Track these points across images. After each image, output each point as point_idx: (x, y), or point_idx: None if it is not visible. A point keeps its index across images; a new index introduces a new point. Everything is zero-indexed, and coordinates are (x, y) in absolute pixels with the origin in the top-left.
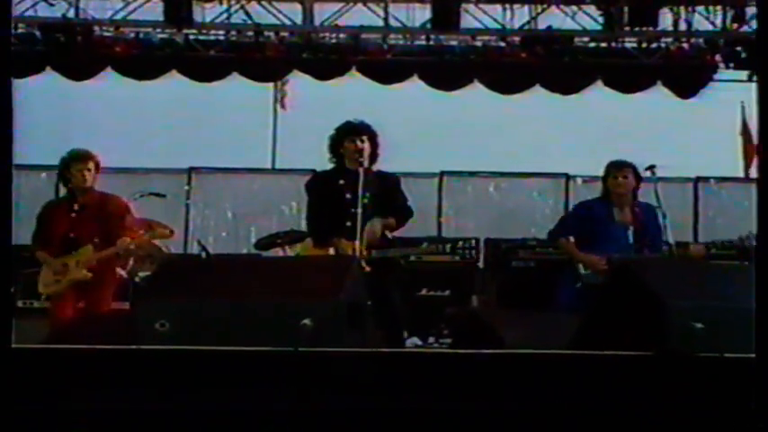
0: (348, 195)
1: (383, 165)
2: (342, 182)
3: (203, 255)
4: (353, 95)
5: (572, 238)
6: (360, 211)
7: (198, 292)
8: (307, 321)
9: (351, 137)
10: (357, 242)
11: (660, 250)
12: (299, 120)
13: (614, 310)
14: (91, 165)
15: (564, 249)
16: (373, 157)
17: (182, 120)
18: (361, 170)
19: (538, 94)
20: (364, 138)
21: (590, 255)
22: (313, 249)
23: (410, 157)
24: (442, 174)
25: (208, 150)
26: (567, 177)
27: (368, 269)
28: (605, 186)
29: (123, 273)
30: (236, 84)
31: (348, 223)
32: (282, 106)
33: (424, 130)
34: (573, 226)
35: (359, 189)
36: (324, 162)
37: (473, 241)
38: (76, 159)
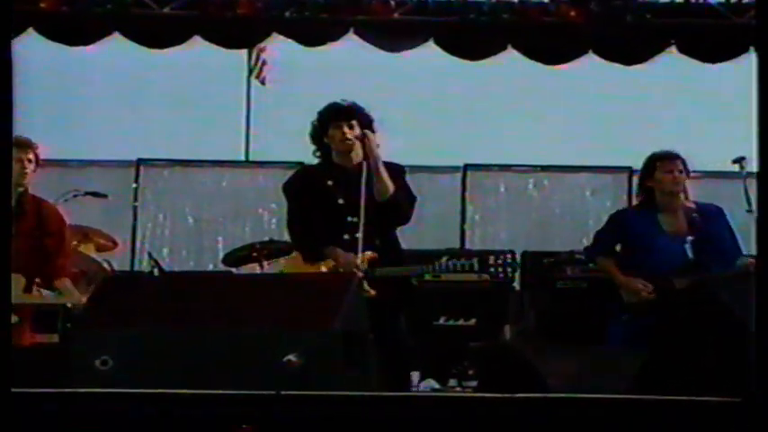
0: (341, 200)
1: (387, 157)
2: (330, 182)
3: (156, 272)
4: (351, 66)
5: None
6: (362, 221)
7: (149, 319)
8: (292, 357)
9: (337, 122)
10: (359, 256)
11: (733, 264)
12: (281, 98)
13: (686, 342)
14: (32, 156)
15: (603, 271)
16: (364, 147)
17: (127, 97)
18: (365, 164)
19: (591, 64)
20: (354, 123)
21: (631, 278)
22: (303, 265)
23: (424, 145)
24: (467, 167)
25: (161, 137)
26: (630, 172)
27: (372, 293)
28: (645, 187)
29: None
30: (198, 51)
31: (345, 235)
32: (259, 80)
33: (442, 110)
34: (609, 241)
35: (361, 190)
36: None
37: (507, 255)
38: (15, 147)
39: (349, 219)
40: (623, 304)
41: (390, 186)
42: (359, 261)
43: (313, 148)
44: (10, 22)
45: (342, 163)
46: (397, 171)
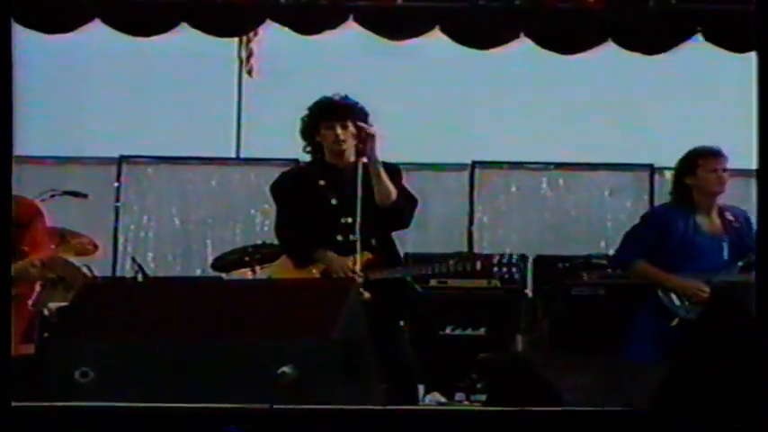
0: (334, 201)
1: (389, 154)
2: (322, 182)
3: (140, 277)
4: (350, 56)
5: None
6: (358, 222)
7: (133, 328)
8: (286, 369)
9: (329, 122)
10: (355, 258)
11: None
12: (275, 91)
13: (716, 353)
14: None
15: (645, 276)
16: (364, 149)
17: (109, 90)
18: (360, 163)
19: (610, 53)
20: (347, 123)
21: (686, 279)
22: (293, 271)
23: (429, 141)
24: (475, 165)
25: (145, 133)
26: (652, 170)
27: (366, 296)
28: (683, 184)
29: (29, 304)
30: (185, 39)
31: (339, 237)
32: (250, 72)
33: (448, 103)
34: (649, 243)
35: (357, 189)
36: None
37: (519, 259)
38: None
39: (343, 220)
40: (668, 309)
41: (393, 191)
42: (354, 264)
43: (303, 144)
44: (9, 22)
45: (335, 162)
46: (393, 173)
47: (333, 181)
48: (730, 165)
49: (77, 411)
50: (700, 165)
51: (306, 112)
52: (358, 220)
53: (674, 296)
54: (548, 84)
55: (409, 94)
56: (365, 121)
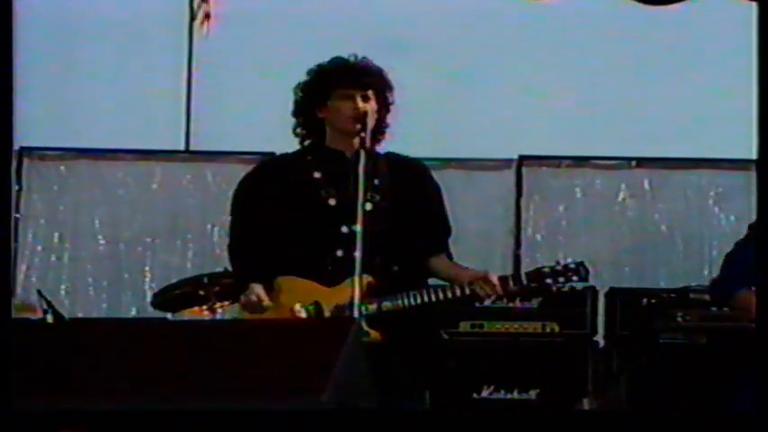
0: (332, 201)
1: (403, 145)
2: (318, 174)
3: (49, 318)
4: (343, 9)
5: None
6: (359, 228)
7: (45, 388)
8: None
9: (345, 88)
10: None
11: None
12: (239, 60)
13: None
14: None
15: (749, 310)
16: (379, 128)
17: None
18: (362, 152)
19: (718, 3)
20: (369, 93)
21: None
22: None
23: (460, 129)
24: (522, 161)
25: (56, 116)
26: None
27: (374, 335)
28: None
29: None
30: None
31: (338, 251)
32: (205, 26)
33: (485, 75)
34: (746, 266)
35: (359, 185)
36: (289, 139)
37: (587, 293)
38: None
39: (344, 229)
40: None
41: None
42: (353, 291)
43: (295, 123)
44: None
45: (341, 148)
46: (422, 175)
47: (334, 174)
48: None
49: (79, 413)
50: None
51: (304, 77)
52: (359, 228)
53: None
54: (627, 47)
55: (429, 66)
56: (388, 94)
